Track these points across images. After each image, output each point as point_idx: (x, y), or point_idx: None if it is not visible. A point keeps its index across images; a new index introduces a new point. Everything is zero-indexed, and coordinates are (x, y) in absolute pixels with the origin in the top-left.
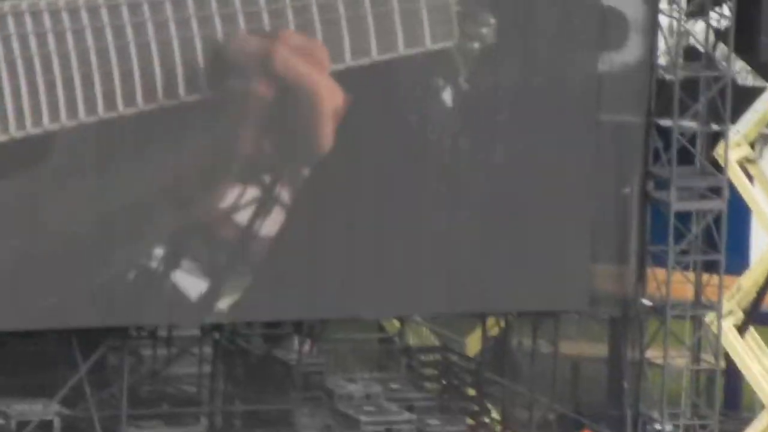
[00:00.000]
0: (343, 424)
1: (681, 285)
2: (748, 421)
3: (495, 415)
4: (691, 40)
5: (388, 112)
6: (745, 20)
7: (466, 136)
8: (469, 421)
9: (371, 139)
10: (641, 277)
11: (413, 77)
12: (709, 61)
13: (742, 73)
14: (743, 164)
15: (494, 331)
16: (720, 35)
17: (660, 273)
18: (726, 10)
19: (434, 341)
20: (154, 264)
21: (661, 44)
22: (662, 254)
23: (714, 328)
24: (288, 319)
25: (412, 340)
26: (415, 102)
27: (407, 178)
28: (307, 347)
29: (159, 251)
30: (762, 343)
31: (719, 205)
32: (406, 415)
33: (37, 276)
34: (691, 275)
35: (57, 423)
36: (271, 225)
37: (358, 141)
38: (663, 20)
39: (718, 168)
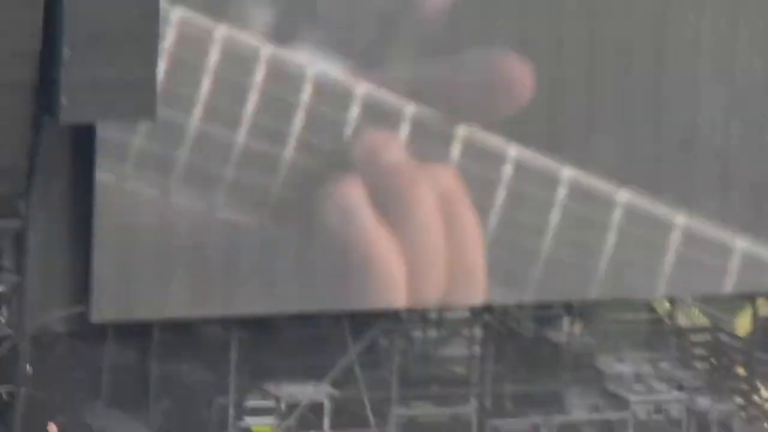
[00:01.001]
0: (612, 404)
1: None
2: None
3: (765, 394)
4: None
5: None
6: None
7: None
8: (739, 400)
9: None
10: None
11: None
12: None
13: None
14: None
15: (765, 311)
16: None
17: None
18: None
19: (705, 321)
20: None
21: None
22: None
23: None
24: (559, 300)
25: (682, 321)
26: None
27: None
28: (577, 328)
29: None
30: None
31: None
32: (676, 394)
33: (313, 260)
34: None
35: (328, 404)
36: None
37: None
38: None
39: None
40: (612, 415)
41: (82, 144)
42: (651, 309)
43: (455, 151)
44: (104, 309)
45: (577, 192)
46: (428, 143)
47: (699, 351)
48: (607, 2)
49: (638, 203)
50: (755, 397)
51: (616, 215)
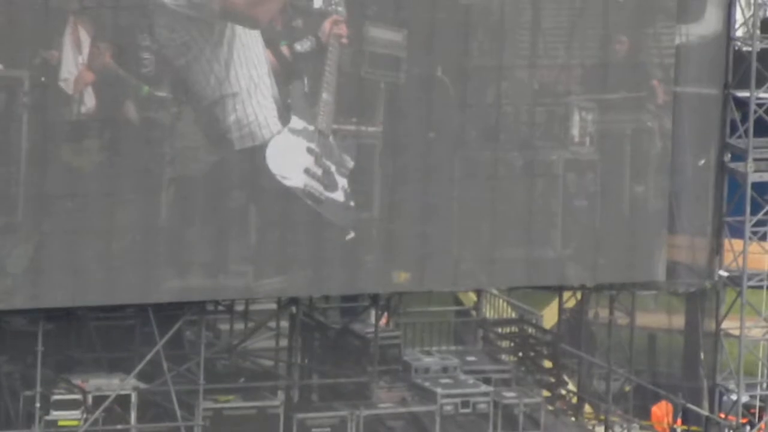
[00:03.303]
0: (419, 397)
1: (758, 256)
2: None
3: (571, 386)
4: None
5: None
6: None
7: (543, 110)
8: (546, 393)
9: (451, 116)
10: (718, 248)
11: None
12: None
13: None
14: None
15: (570, 303)
16: None
17: (737, 244)
18: None
19: (511, 314)
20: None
21: (738, 16)
22: (739, 225)
23: None
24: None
25: (488, 313)
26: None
27: (485, 151)
28: (383, 321)
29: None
30: None
31: None
32: (483, 388)
33: (118, 252)
34: (767, 245)
35: (134, 397)
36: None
37: (438, 118)
38: None
39: None
40: (419, 409)
41: None
42: (457, 301)
43: None
44: None
45: None
46: None
47: (505, 343)
48: None
49: None
50: (562, 390)
51: None
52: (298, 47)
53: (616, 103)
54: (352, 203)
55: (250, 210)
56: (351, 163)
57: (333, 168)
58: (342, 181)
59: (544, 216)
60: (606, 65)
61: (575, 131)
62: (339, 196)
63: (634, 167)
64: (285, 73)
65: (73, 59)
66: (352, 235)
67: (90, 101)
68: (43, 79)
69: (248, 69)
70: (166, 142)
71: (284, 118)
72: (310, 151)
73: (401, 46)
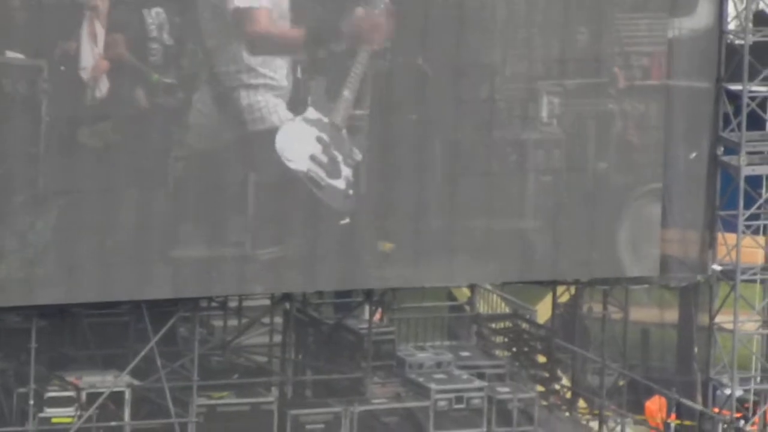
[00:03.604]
0: (413, 393)
1: (751, 250)
2: None
3: (565, 381)
4: (761, 5)
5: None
6: None
7: (534, 105)
8: (539, 388)
9: (446, 107)
10: (711, 243)
11: None
12: None
13: None
14: None
15: (564, 298)
16: None
17: (730, 238)
18: None
19: (504, 309)
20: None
21: (731, 9)
22: (732, 219)
23: None
24: (358, 288)
25: (482, 308)
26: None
27: (479, 146)
28: (377, 316)
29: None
30: None
31: None
32: (477, 383)
33: (110, 249)
34: (761, 239)
35: (128, 394)
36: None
37: (432, 110)
38: None
39: None
40: (413, 404)
41: None
42: (451, 296)
43: None
44: None
45: None
46: None
47: (499, 338)
48: None
49: None
50: (556, 385)
51: None
52: (334, 47)
53: (579, 87)
54: (351, 192)
55: (247, 202)
56: (359, 156)
57: (340, 158)
58: (346, 171)
59: (537, 209)
60: (569, 55)
61: (544, 113)
62: (340, 183)
63: (598, 145)
64: (312, 68)
65: (90, 50)
66: (347, 220)
67: (104, 87)
68: (62, 68)
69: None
70: (173, 126)
71: (298, 109)
72: (319, 139)
73: None
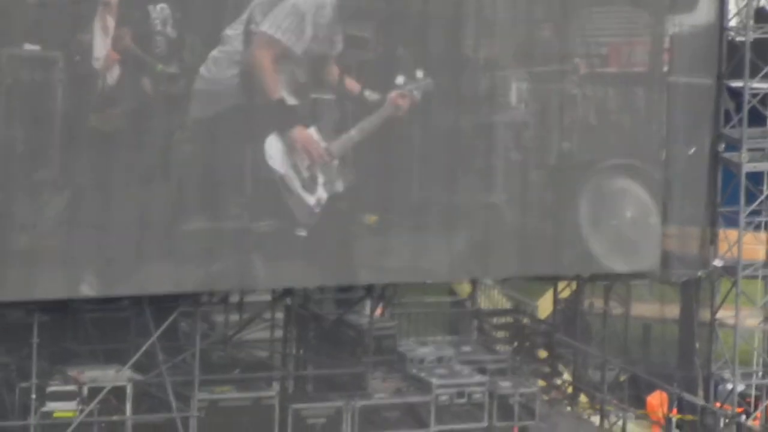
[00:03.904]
0: (415, 387)
1: (752, 246)
2: None
3: (566, 376)
4: (762, 2)
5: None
6: None
7: (535, 101)
8: (541, 383)
9: (445, 109)
10: (713, 239)
11: None
12: None
13: None
14: None
15: (565, 294)
16: None
17: (731, 234)
18: None
19: (506, 304)
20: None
21: (732, 6)
22: (733, 215)
23: None
24: (359, 284)
25: (483, 303)
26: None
27: (479, 142)
28: (378, 311)
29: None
30: None
31: None
32: (478, 378)
33: (111, 244)
34: (762, 235)
35: (129, 389)
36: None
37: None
38: None
39: None
40: (414, 399)
41: None
42: (452, 292)
43: None
44: None
45: None
46: None
47: (500, 334)
48: None
49: None
50: (557, 380)
51: None
52: (367, 94)
53: (545, 74)
54: (317, 211)
55: (246, 200)
56: (341, 188)
57: (321, 180)
58: (322, 193)
59: (536, 206)
60: (536, 45)
61: (513, 98)
62: (310, 199)
63: (562, 126)
64: (338, 97)
65: (102, 42)
66: (303, 233)
67: (113, 76)
68: (77, 58)
69: None
70: (176, 113)
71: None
72: (309, 155)
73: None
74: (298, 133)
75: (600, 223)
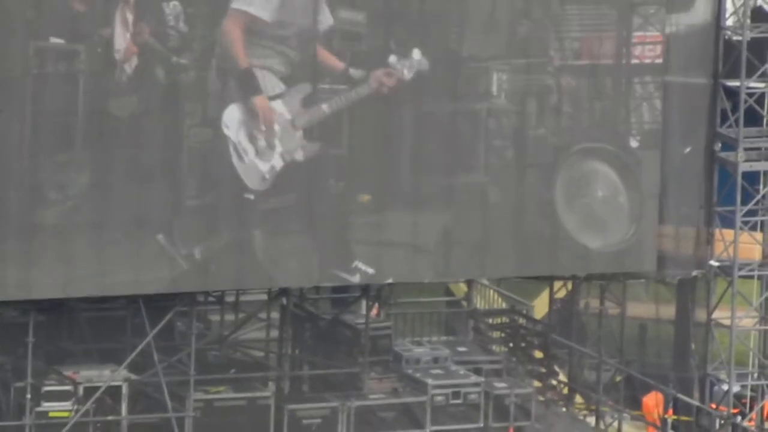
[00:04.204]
0: (410, 388)
1: (748, 246)
2: None
3: (562, 377)
4: (759, 1)
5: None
6: None
7: (533, 103)
8: (537, 384)
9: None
10: (709, 239)
11: None
12: None
13: None
14: None
15: (561, 294)
16: None
17: (727, 234)
18: None
19: (501, 304)
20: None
21: (729, 5)
22: (730, 215)
23: None
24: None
25: (479, 303)
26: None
27: (475, 142)
28: (374, 311)
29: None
30: None
31: None
32: (474, 378)
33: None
34: (758, 235)
35: (125, 389)
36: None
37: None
38: None
39: None
40: (410, 399)
41: None
42: (448, 291)
43: None
44: None
45: None
46: None
47: (496, 334)
48: None
49: None
50: (553, 381)
51: None
52: (352, 72)
53: (523, 66)
54: (268, 177)
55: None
56: (300, 158)
57: (279, 149)
58: (277, 162)
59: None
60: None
61: (494, 88)
62: (264, 166)
63: (537, 114)
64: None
65: (122, 35)
66: (251, 197)
67: (132, 66)
68: (99, 50)
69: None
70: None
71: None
72: (265, 122)
73: (361, 24)
74: (259, 101)
75: (573, 201)
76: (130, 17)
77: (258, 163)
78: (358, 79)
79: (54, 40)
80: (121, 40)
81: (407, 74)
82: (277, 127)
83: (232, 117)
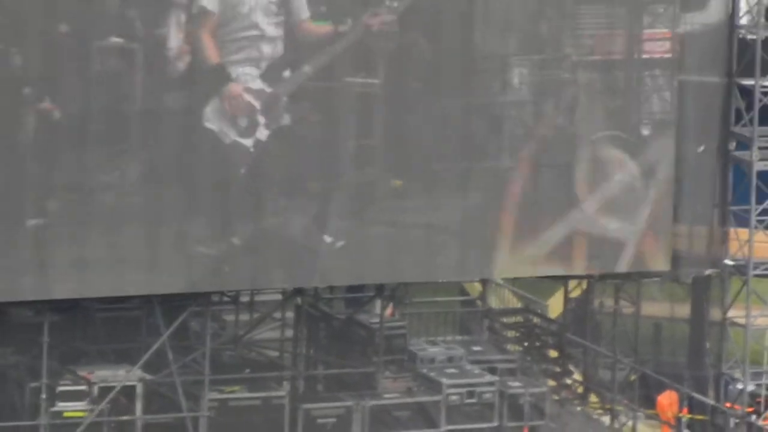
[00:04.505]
0: (425, 387)
1: (764, 245)
2: None
3: (577, 376)
4: None
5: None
6: None
7: (541, 101)
8: (551, 383)
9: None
10: (724, 238)
11: None
12: None
13: None
14: None
15: (576, 293)
16: None
17: (742, 233)
18: None
19: (516, 303)
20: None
21: (743, 4)
22: (744, 214)
23: None
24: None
25: (494, 303)
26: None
27: (488, 140)
28: (389, 311)
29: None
30: None
31: None
32: (488, 377)
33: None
34: None
35: (140, 388)
36: None
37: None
38: None
39: None
40: (425, 399)
41: None
42: (462, 291)
43: None
44: None
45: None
46: None
47: (511, 333)
48: None
49: None
50: (567, 380)
51: None
52: (341, 29)
53: (542, 61)
54: (252, 150)
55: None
56: (287, 120)
57: (262, 122)
58: (262, 132)
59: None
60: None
61: (516, 81)
62: (248, 142)
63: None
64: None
65: (175, 35)
66: (242, 171)
67: (184, 64)
68: (154, 48)
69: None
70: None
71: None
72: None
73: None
74: (232, 88)
75: (593, 186)
76: (182, 19)
77: (241, 141)
78: (348, 32)
79: (113, 39)
80: (174, 39)
81: (395, 9)
82: (257, 104)
83: (210, 109)
